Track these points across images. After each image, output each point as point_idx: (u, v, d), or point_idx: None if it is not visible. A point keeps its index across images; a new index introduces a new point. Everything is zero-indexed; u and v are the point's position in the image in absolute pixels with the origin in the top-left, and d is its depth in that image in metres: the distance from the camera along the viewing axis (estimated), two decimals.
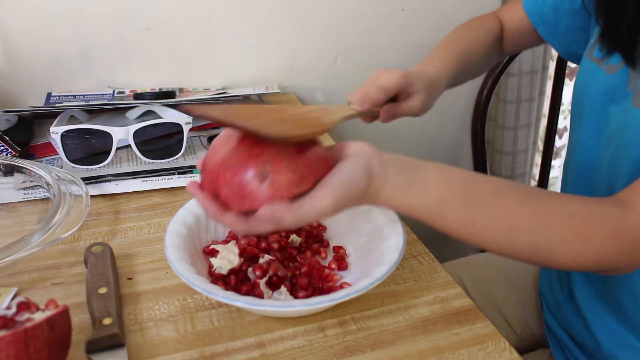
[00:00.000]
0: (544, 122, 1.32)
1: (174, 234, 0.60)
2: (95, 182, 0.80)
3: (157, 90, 1.04)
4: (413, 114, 0.72)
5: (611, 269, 0.55)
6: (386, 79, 0.69)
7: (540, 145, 1.31)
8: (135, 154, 0.84)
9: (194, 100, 0.93)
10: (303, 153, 0.49)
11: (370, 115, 0.70)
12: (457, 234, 0.53)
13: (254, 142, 0.49)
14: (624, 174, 0.64)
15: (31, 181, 0.78)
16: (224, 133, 0.53)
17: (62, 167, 0.81)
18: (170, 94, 0.99)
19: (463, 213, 0.52)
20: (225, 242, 0.65)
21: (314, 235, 0.67)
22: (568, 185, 0.78)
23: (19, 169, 0.77)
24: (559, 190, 0.80)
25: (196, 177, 0.82)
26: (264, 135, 0.46)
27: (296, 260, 0.64)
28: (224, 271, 0.59)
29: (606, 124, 0.68)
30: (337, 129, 1.21)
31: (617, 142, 0.65)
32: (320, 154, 0.51)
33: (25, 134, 0.92)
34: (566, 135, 1.70)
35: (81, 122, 0.90)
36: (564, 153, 1.59)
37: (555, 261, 0.54)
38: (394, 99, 0.70)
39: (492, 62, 0.91)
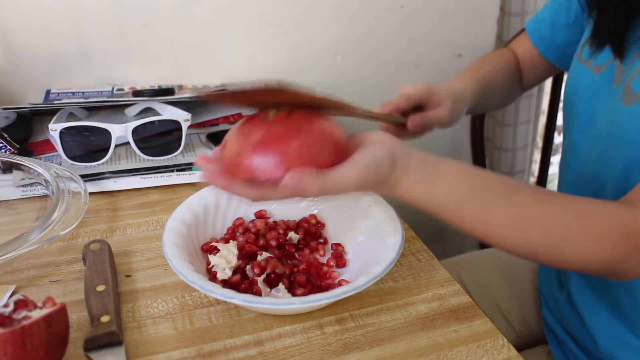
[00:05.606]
0: (543, 119, 1.32)
1: (173, 232, 0.60)
2: (94, 179, 0.80)
3: (156, 88, 1.04)
4: (441, 122, 0.73)
5: (622, 271, 0.55)
6: (409, 88, 0.71)
7: (540, 141, 1.31)
8: (134, 151, 0.84)
9: (194, 96, 0.92)
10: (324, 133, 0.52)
11: (397, 123, 0.71)
12: (474, 231, 0.54)
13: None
14: (615, 172, 0.64)
15: (30, 178, 0.78)
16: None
17: (60, 164, 0.81)
18: (169, 91, 0.99)
19: (479, 210, 0.54)
20: (225, 240, 0.64)
21: (312, 233, 0.67)
22: (563, 185, 0.79)
23: (18, 166, 0.77)
24: (555, 189, 0.80)
25: (195, 174, 0.82)
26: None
27: (294, 258, 0.64)
28: (221, 270, 0.59)
29: (593, 123, 0.69)
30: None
31: (605, 141, 0.66)
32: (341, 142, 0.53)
33: (24, 131, 0.91)
34: None
35: (80, 119, 0.90)
36: None
37: (570, 261, 0.55)
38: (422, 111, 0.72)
39: (513, 92, 0.92)
